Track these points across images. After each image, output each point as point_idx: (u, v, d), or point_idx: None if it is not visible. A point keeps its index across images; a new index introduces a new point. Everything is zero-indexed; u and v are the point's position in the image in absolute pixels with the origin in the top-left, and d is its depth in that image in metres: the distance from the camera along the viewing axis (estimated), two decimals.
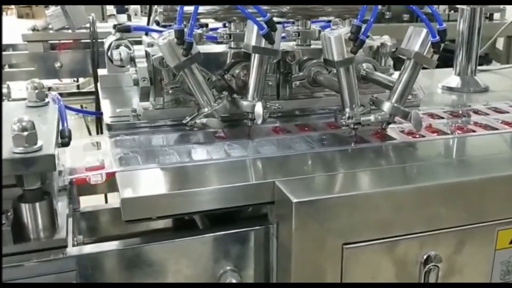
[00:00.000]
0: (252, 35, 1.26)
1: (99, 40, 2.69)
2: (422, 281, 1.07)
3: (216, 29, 1.53)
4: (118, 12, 3.80)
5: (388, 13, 3.91)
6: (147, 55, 1.35)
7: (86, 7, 3.11)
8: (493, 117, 1.51)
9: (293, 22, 1.49)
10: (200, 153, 1.21)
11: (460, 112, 1.57)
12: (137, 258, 1.02)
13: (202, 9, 1.31)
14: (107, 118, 1.39)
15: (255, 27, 1.23)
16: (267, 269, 1.10)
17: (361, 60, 1.36)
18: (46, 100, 1.25)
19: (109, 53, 1.65)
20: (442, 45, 1.23)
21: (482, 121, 1.46)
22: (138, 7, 3.99)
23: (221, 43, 1.45)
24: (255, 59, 1.29)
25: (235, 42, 1.39)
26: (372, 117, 1.27)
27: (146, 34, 1.59)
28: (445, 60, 1.75)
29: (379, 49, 1.48)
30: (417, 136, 1.33)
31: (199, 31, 1.45)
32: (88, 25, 2.87)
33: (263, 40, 1.25)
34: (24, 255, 0.95)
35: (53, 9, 3.03)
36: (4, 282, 0.89)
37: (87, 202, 1.43)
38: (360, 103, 1.29)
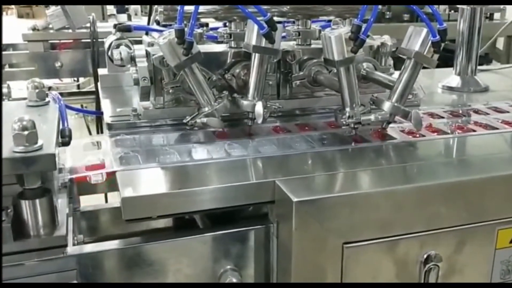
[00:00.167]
0: (252, 35, 1.26)
1: (99, 40, 2.69)
2: (422, 281, 1.07)
3: (216, 28, 1.53)
4: (118, 12, 3.80)
5: (388, 13, 3.92)
6: (148, 54, 1.35)
7: (86, 7, 3.12)
8: (493, 116, 1.51)
9: (294, 22, 1.49)
10: (200, 153, 1.21)
11: (460, 111, 1.57)
12: (138, 257, 1.02)
13: (202, 8, 1.31)
14: (107, 118, 1.39)
15: (256, 27, 1.23)
16: (267, 269, 1.10)
17: (362, 60, 1.36)
18: (47, 99, 1.25)
19: (109, 53, 1.65)
20: (443, 44, 1.23)
21: (482, 121, 1.46)
22: (138, 7, 4.00)
23: (221, 42, 1.45)
24: (255, 58, 1.29)
25: (235, 42, 1.40)
26: (372, 117, 1.28)
27: (147, 34, 1.59)
28: (446, 60, 1.75)
29: (379, 48, 1.48)
30: (417, 135, 1.33)
31: (200, 30, 1.45)
32: (88, 24, 2.87)
33: (264, 40, 1.25)
34: (25, 254, 0.95)
35: (53, 9, 3.03)
36: (4, 282, 0.89)
37: (88, 202, 1.43)
38: (360, 102, 1.29)
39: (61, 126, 1.16)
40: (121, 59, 1.41)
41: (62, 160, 1.19)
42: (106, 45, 1.70)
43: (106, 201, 2.13)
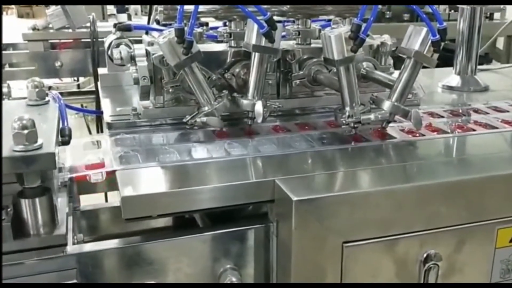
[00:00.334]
0: (252, 34, 1.26)
1: (99, 40, 2.69)
2: (422, 280, 1.07)
3: (216, 28, 1.53)
4: (119, 11, 3.80)
5: (388, 12, 3.92)
6: (147, 54, 1.35)
7: (87, 6, 3.12)
8: (493, 116, 1.51)
9: (293, 21, 1.49)
10: (200, 152, 1.21)
11: (460, 111, 1.57)
12: (137, 256, 1.02)
13: (202, 8, 1.31)
14: (107, 117, 1.39)
15: (256, 26, 1.23)
16: (267, 268, 1.10)
17: (361, 59, 1.36)
18: (47, 98, 1.25)
19: (109, 52, 1.65)
20: (442, 44, 1.23)
21: (482, 120, 1.46)
22: (138, 6, 4.00)
23: (221, 42, 1.45)
24: (255, 57, 1.29)
25: (235, 41, 1.39)
26: (372, 116, 1.28)
27: (147, 33, 1.59)
28: (445, 60, 1.75)
29: (379, 48, 1.48)
30: (417, 135, 1.33)
31: (200, 30, 1.45)
32: (88, 24, 2.87)
33: (263, 39, 1.25)
34: (24, 253, 0.95)
35: (53, 9, 3.03)
36: (4, 283, 0.90)
37: (87, 201, 1.43)
38: (360, 102, 1.29)
39: (61, 125, 1.16)
40: (121, 58, 1.41)
41: (62, 159, 1.19)
42: (106, 45, 1.70)
43: (106, 200, 2.13)
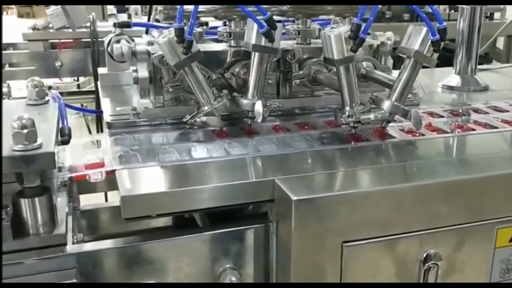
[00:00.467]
0: (252, 34, 1.26)
1: (99, 39, 2.69)
2: (422, 280, 1.07)
3: (216, 27, 1.53)
4: (119, 11, 3.81)
5: (388, 12, 3.92)
6: (147, 53, 1.35)
7: (87, 6, 3.11)
8: (493, 115, 1.51)
9: (293, 21, 1.49)
10: (200, 151, 1.21)
11: (460, 111, 1.57)
12: (137, 256, 1.02)
13: (202, 7, 1.31)
14: (107, 117, 1.39)
15: (255, 26, 1.23)
16: (266, 267, 1.10)
17: (361, 59, 1.36)
18: (46, 98, 1.25)
19: (109, 49, 1.63)
20: (442, 43, 1.22)
21: (482, 120, 1.46)
22: (138, 6, 4.01)
23: (221, 41, 1.45)
24: (255, 57, 1.29)
25: (235, 41, 1.39)
26: (372, 116, 1.27)
27: (146, 33, 1.59)
28: (445, 60, 1.75)
29: (379, 47, 1.48)
30: (417, 134, 1.33)
31: (199, 29, 1.45)
32: (88, 24, 2.87)
33: (263, 39, 1.25)
34: (24, 253, 0.95)
35: (53, 8, 3.03)
36: (4, 282, 0.89)
37: (87, 201, 1.43)
38: (360, 101, 1.29)
39: (60, 125, 1.16)
40: (122, 54, 1.40)
41: (61, 159, 1.19)
42: (106, 42, 1.69)
43: (106, 200, 2.13)
